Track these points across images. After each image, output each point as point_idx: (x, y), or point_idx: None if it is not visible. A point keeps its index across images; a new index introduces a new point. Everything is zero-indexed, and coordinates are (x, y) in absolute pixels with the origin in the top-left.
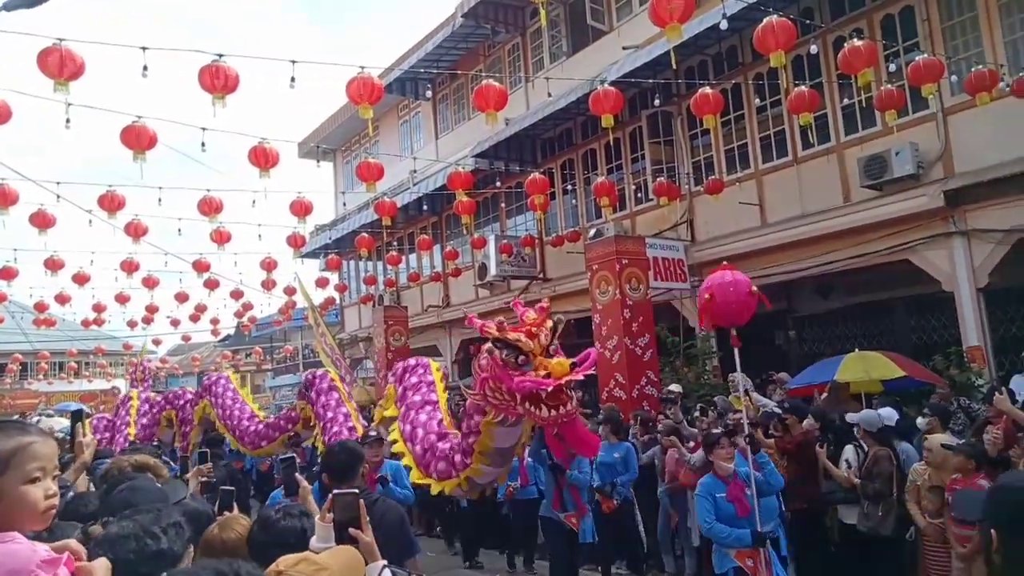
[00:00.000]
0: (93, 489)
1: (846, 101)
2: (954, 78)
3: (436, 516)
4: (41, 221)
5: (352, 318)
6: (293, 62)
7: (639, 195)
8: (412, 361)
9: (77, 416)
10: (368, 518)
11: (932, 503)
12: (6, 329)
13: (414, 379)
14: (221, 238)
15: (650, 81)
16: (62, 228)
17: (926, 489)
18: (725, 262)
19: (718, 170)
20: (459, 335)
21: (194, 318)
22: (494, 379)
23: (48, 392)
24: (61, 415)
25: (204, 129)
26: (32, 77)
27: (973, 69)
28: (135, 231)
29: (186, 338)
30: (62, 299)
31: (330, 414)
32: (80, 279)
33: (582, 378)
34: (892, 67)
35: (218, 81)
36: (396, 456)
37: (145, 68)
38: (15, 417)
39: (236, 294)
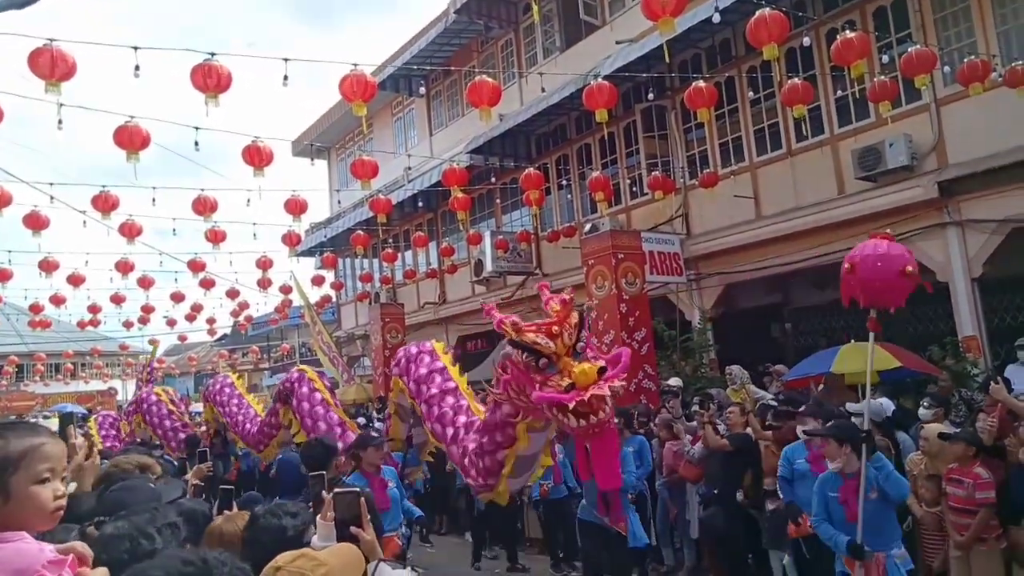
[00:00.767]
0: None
1: (839, 93)
2: (947, 69)
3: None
4: (35, 222)
5: (349, 316)
6: (286, 60)
7: (634, 189)
8: (413, 349)
9: (67, 419)
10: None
11: (929, 492)
12: (1, 331)
13: (423, 370)
14: (216, 237)
15: (644, 75)
16: (56, 229)
17: (923, 478)
18: (878, 239)
19: (712, 163)
20: (456, 331)
21: (190, 318)
22: (517, 382)
23: (45, 394)
24: (58, 416)
25: (197, 128)
26: (23, 78)
27: (966, 60)
28: (129, 231)
29: (182, 338)
30: (57, 300)
31: (322, 425)
32: (75, 280)
33: (610, 391)
34: (885, 58)
35: (210, 80)
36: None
37: (137, 68)
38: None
39: (232, 293)
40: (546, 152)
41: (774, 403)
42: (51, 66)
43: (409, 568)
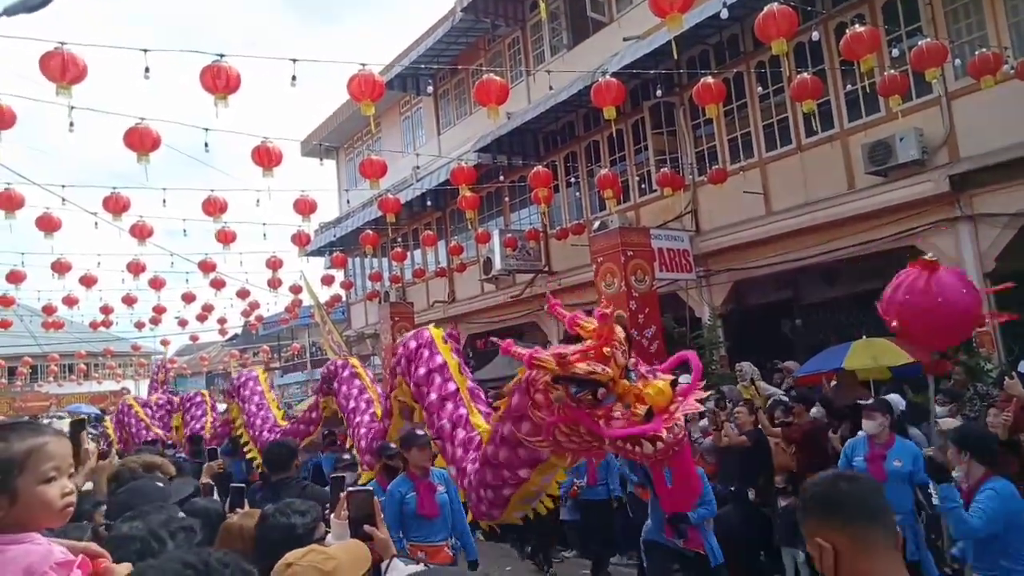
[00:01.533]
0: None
1: (849, 87)
2: (957, 62)
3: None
4: (47, 224)
5: (358, 315)
6: (294, 60)
7: (643, 186)
8: (412, 343)
9: (78, 425)
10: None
11: None
12: (15, 332)
13: (421, 370)
14: (226, 238)
15: (652, 72)
16: (68, 231)
17: None
18: (914, 264)
19: (721, 159)
20: (465, 329)
21: (201, 318)
22: (568, 422)
23: (58, 394)
24: (73, 416)
25: (207, 130)
26: (35, 81)
27: (977, 52)
28: (140, 233)
29: (194, 338)
30: (70, 301)
31: (352, 404)
32: (87, 281)
33: (692, 411)
34: (895, 52)
35: (219, 81)
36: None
37: (147, 70)
38: (25, 419)
39: (242, 293)
40: (554, 150)
41: (784, 399)
42: (62, 69)
43: (421, 564)
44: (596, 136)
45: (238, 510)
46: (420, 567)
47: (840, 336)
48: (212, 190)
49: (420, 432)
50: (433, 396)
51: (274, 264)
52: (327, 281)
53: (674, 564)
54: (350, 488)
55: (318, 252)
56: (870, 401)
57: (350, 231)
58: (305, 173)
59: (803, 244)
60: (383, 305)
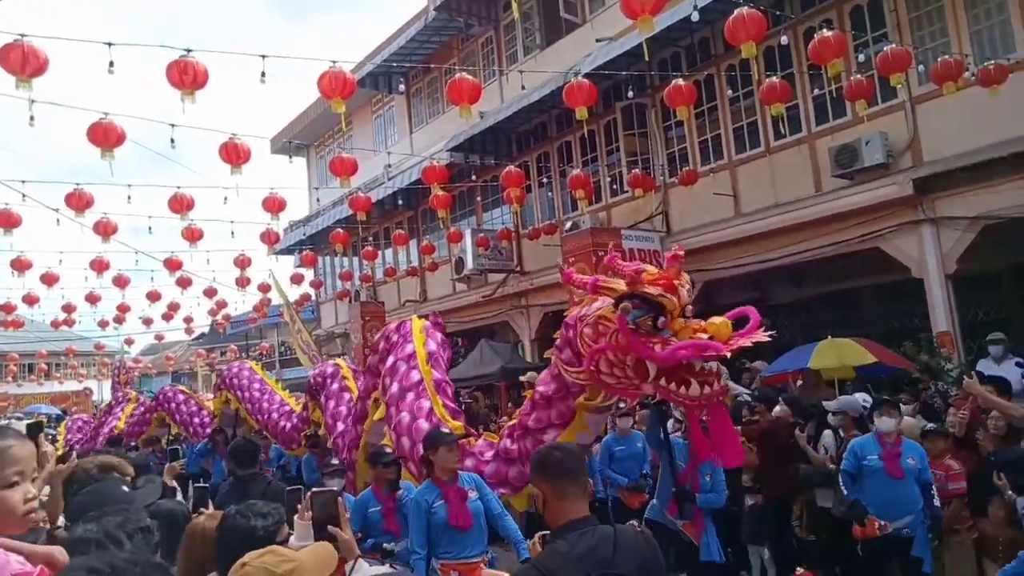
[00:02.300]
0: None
1: (817, 91)
2: (921, 68)
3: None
4: (6, 221)
5: (328, 314)
6: (263, 56)
7: (614, 187)
8: (394, 336)
9: (36, 428)
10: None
11: None
12: None
13: (390, 359)
14: (193, 236)
15: (624, 73)
16: (28, 228)
17: None
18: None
19: (692, 161)
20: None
21: (167, 317)
22: (617, 349)
23: (18, 394)
24: (32, 417)
25: (173, 126)
26: None
27: (939, 59)
28: (104, 230)
29: (159, 337)
30: (30, 300)
31: (340, 426)
32: (48, 279)
33: (750, 344)
34: (861, 57)
35: (187, 77)
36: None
37: (111, 64)
38: None
39: (210, 292)
40: (527, 150)
41: (748, 399)
42: (22, 62)
43: (388, 565)
44: (568, 136)
45: (203, 510)
46: (385, 568)
47: (807, 336)
48: (179, 187)
49: (446, 430)
50: (395, 387)
51: (242, 262)
52: (297, 280)
53: (670, 548)
54: (314, 489)
55: (287, 251)
56: (932, 396)
57: (320, 229)
58: (275, 170)
59: (771, 245)
60: (353, 304)
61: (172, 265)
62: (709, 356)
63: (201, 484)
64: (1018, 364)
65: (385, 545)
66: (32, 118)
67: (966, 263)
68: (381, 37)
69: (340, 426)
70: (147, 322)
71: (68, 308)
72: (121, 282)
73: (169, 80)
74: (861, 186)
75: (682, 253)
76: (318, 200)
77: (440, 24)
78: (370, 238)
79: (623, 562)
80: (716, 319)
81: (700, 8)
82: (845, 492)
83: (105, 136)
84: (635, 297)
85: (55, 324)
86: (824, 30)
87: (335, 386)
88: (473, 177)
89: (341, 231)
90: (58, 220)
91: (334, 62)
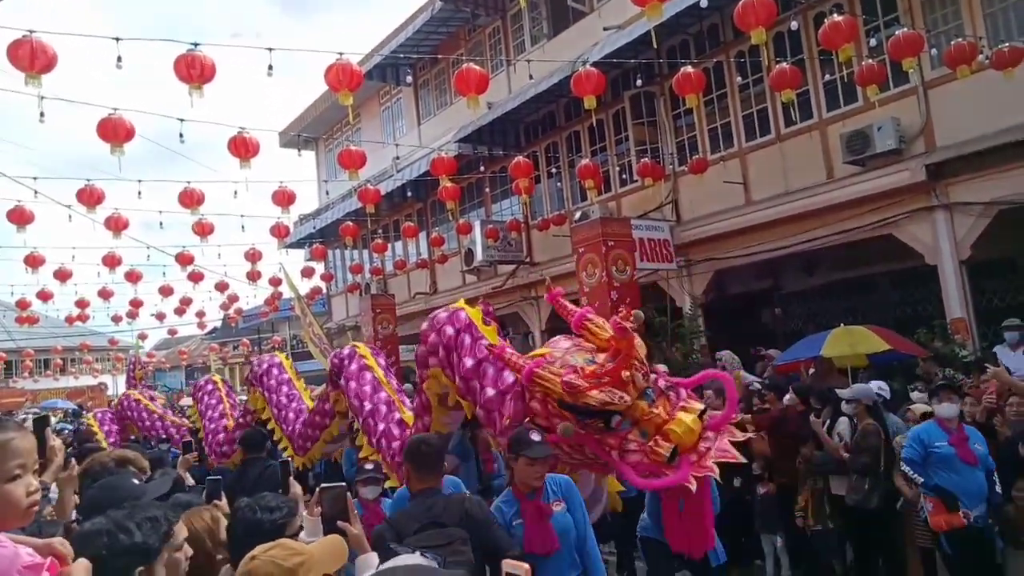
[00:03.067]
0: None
1: (828, 77)
2: (934, 51)
3: None
4: (19, 217)
5: (339, 307)
6: (270, 50)
7: (623, 176)
8: (449, 329)
9: (43, 422)
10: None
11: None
12: None
13: (469, 361)
14: (204, 230)
15: (632, 61)
16: (41, 224)
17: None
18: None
19: (702, 149)
20: None
21: (179, 311)
22: (574, 446)
23: (34, 390)
24: (50, 412)
25: (182, 120)
26: (3, 71)
27: (953, 42)
28: (116, 225)
29: (172, 332)
30: (44, 296)
31: (368, 405)
32: (62, 275)
33: (726, 459)
34: (873, 42)
35: (194, 71)
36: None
37: (119, 59)
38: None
39: (221, 286)
40: (535, 140)
41: (759, 387)
42: (31, 58)
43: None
44: (577, 126)
45: (216, 502)
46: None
47: (819, 324)
48: (189, 182)
49: (536, 436)
50: (491, 391)
51: (253, 256)
52: (307, 273)
53: (674, 560)
54: (323, 484)
55: (298, 244)
56: (942, 382)
57: (330, 223)
58: (284, 164)
59: (783, 233)
60: (364, 297)
61: (184, 260)
62: (672, 486)
63: (214, 477)
64: None
65: None
66: (42, 114)
67: (980, 249)
68: (388, 29)
69: (384, 427)
70: (160, 317)
71: (82, 303)
72: (133, 277)
73: (177, 74)
74: (873, 172)
75: (629, 322)
76: (327, 193)
77: (447, 15)
78: (380, 231)
79: (447, 515)
80: (686, 417)
81: None
82: (920, 479)
83: (115, 131)
84: (575, 408)
85: (69, 319)
86: (835, 14)
87: (359, 373)
88: (482, 168)
89: (351, 224)
90: (70, 216)
91: (341, 54)
